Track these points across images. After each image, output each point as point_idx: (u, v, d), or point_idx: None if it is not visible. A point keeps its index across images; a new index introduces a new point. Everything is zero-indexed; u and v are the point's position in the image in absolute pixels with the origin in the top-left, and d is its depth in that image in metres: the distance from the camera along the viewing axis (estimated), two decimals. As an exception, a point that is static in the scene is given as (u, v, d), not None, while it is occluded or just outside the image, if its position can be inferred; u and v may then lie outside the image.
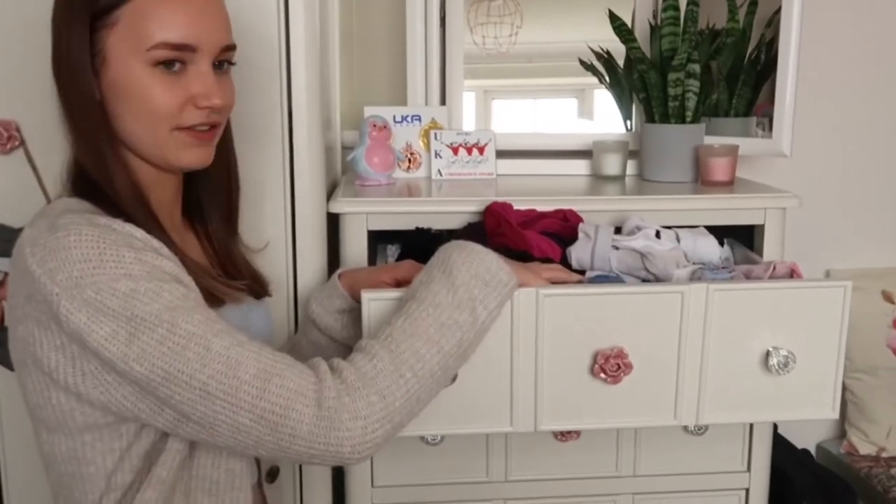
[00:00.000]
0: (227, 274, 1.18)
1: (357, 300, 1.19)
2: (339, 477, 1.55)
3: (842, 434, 2.17)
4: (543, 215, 1.40)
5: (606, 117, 1.95)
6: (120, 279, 0.90)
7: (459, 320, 1.01)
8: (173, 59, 1.00)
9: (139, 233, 0.97)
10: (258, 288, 1.23)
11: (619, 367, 1.16)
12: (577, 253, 1.34)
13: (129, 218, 0.99)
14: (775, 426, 1.74)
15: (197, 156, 1.06)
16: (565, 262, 1.33)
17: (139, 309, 0.89)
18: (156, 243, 0.97)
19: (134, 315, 0.89)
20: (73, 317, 0.89)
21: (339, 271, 1.30)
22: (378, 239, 1.54)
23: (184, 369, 0.89)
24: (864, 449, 2.10)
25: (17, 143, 1.37)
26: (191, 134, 1.04)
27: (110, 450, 0.98)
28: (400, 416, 0.95)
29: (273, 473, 1.44)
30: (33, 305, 0.92)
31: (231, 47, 1.07)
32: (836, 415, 1.23)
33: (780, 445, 1.91)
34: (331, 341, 1.27)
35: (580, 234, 1.35)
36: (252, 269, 1.25)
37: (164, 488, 0.99)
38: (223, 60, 1.06)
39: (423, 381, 0.97)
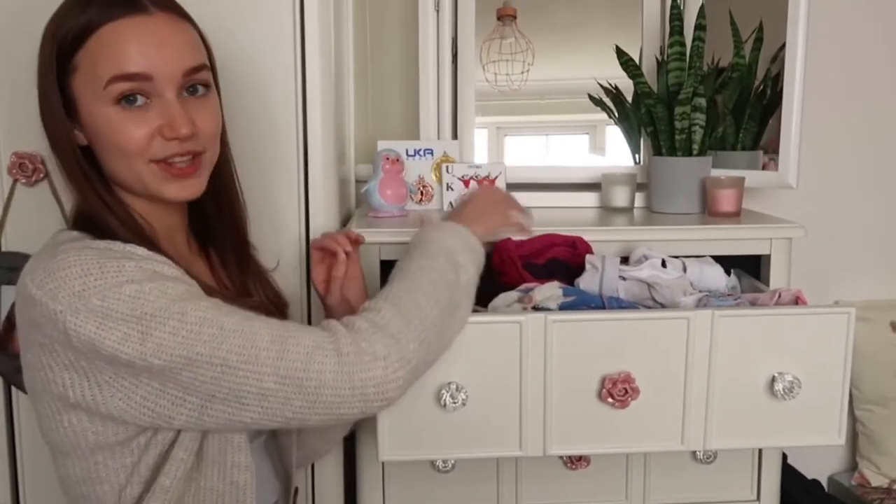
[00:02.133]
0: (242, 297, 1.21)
1: None
2: (351, 501, 1.57)
3: (853, 466, 2.16)
4: (553, 242, 1.42)
5: (617, 153, 1.98)
6: (124, 284, 0.92)
7: (448, 278, 1.09)
8: (132, 92, 1.00)
9: (140, 250, 0.99)
10: (273, 311, 1.25)
11: (627, 392, 1.18)
12: (585, 284, 1.35)
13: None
14: (785, 456, 1.74)
15: (180, 188, 1.06)
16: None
17: (147, 307, 0.92)
18: (159, 257, 1.00)
19: (143, 313, 0.91)
20: (82, 329, 0.90)
21: None
22: (391, 269, 1.56)
23: (202, 351, 0.92)
24: (876, 481, 2.09)
25: (41, 175, 1.41)
26: (168, 167, 1.04)
27: (122, 466, 1.00)
28: (416, 358, 1.00)
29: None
30: (36, 330, 0.95)
31: (198, 68, 1.05)
32: (842, 441, 1.25)
33: (791, 476, 1.91)
34: None
35: (587, 266, 1.37)
36: (272, 291, 1.28)
37: (169, 498, 1.01)
38: (193, 84, 1.05)
39: (428, 329, 1.02)
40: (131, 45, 0.99)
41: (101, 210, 1.03)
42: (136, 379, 0.94)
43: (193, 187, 1.08)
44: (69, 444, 1.00)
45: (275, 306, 1.26)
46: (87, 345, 0.91)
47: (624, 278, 1.36)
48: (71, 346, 0.92)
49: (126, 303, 0.91)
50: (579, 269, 1.38)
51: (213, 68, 1.11)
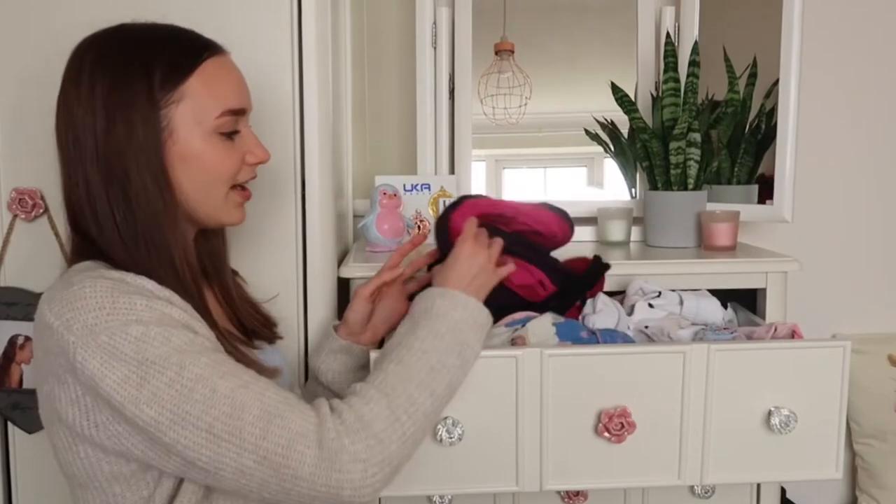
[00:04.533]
0: (241, 324, 1.23)
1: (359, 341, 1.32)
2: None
3: (853, 500, 2.15)
4: (517, 216, 1.35)
5: (615, 185, 1.99)
6: (131, 324, 0.93)
7: (448, 363, 1.06)
8: (235, 125, 1.09)
9: (150, 284, 1.00)
10: (269, 332, 1.28)
11: (623, 427, 1.18)
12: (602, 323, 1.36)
13: (152, 275, 1.02)
14: (783, 490, 1.74)
15: (242, 213, 1.16)
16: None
17: (149, 352, 0.92)
18: (167, 293, 1.00)
19: (145, 359, 0.92)
20: (88, 363, 0.92)
21: (334, 325, 1.37)
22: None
23: (191, 410, 0.92)
24: (876, 515, 2.08)
25: (41, 210, 1.42)
26: (241, 193, 1.14)
27: (140, 498, 1.00)
28: (398, 459, 0.98)
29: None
30: (52, 359, 0.96)
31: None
32: (839, 475, 1.24)
33: (790, 511, 1.91)
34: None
35: (600, 305, 1.38)
36: (262, 313, 1.30)
37: None
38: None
39: (417, 424, 1.00)
40: (232, 81, 1.10)
41: (160, 241, 1.04)
42: (127, 427, 0.94)
43: (245, 215, 1.17)
44: (87, 476, 1.00)
45: (265, 326, 1.28)
46: (89, 380, 0.92)
47: (629, 326, 1.37)
48: (78, 379, 0.93)
49: (131, 344, 0.92)
50: (541, 249, 1.36)
51: None
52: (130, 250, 1.03)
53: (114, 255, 1.03)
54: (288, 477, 0.93)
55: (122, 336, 0.92)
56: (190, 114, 1.05)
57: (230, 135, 1.09)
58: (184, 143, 1.05)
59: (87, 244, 1.06)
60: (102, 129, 1.02)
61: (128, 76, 1.02)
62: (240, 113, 1.10)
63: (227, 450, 0.93)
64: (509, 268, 1.24)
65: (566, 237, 1.38)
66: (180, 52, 1.06)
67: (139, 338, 0.93)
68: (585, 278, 1.38)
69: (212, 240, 1.22)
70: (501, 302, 1.26)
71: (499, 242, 1.24)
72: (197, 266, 1.12)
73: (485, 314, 1.14)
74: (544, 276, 1.31)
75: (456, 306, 1.11)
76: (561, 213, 1.37)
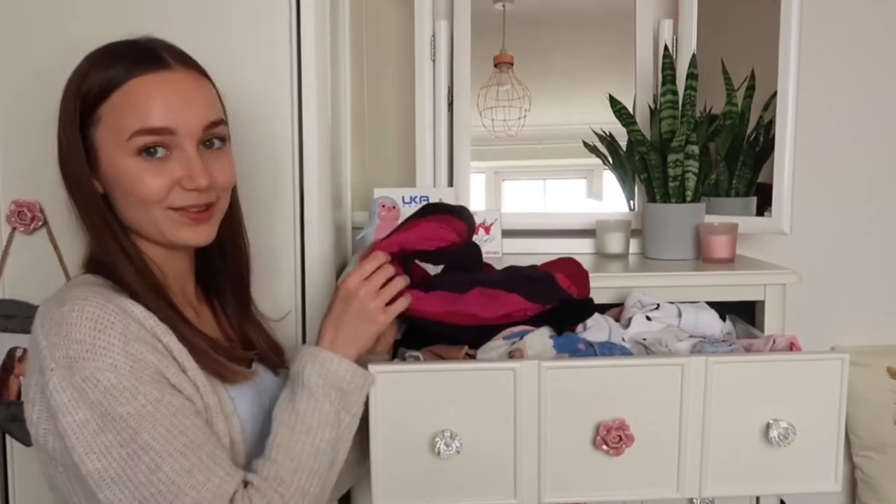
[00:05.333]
0: (243, 345, 1.22)
1: None
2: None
3: (853, 513, 2.15)
4: (433, 236, 1.30)
5: (614, 197, 2.00)
6: (105, 370, 0.95)
7: (329, 438, 1.10)
8: (154, 145, 1.04)
9: (139, 310, 1.01)
10: (274, 359, 1.26)
11: (621, 439, 1.17)
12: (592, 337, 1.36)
13: (138, 298, 1.03)
14: (782, 503, 1.73)
15: (194, 234, 1.10)
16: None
17: (113, 407, 0.94)
18: (151, 322, 1.02)
19: (107, 411, 0.94)
20: (58, 395, 0.94)
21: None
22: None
23: (132, 477, 0.94)
24: (877, 528, 2.07)
25: (40, 223, 1.42)
26: (184, 214, 1.08)
27: None
28: None
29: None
30: (37, 372, 0.98)
31: (216, 123, 1.10)
32: (838, 488, 1.24)
33: (790, 523, 1.90)
34: None
35: (591, 323, 1.38)
36: (270, 340, 1.29)
37: None
38: (211, 138, 1.10)
39: (309, 496, 1.07)
40: (156, 100, 1.04)
41: (116, 256, 1.06)
42: (71, 463, 0.96)
43: (206, 233, 1.12)
44: (69, 490, 1.01)
45: (274, 353, 1.27)
46: (53, 410, 0.95)
47: (624, 339, 1.37)
48: (45, 401, 0.97)
49: (100, 393, 0.94)
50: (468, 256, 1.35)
51: (227, 122, 1.15)
52: (101, 269, 1.07)
53: (100, 267, 1.07)
54: None
55: (94, 383, 0.94)
56: (108, 135, 1.05)
57: (160, 157, 1.05)
58: (106, 164, 1.06)
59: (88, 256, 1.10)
60: (58, 150, 1.07)
61: (67, 98, 1.06)
62: (164, 132, 1.04)
63: None
64: (401, 304, 1.19)
65: (468, 232, 1.34)
66: (105, 70, 1.05)
67: (108, 388, 0.95)
68: (577, 305, 1.36)
69: (208, 255, 1.22)
70: (482, 336, 1.28)
71: (396, 282, 1.19)
72: (162, 280, 1.11)
73: (360, 376, 1.12)
74: (525, 302, 1.30)
75: (328, 371, 1.11)
76: (449, 212, 1.33)
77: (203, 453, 0.99)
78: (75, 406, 0.94)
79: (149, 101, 1.04)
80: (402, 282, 1.20)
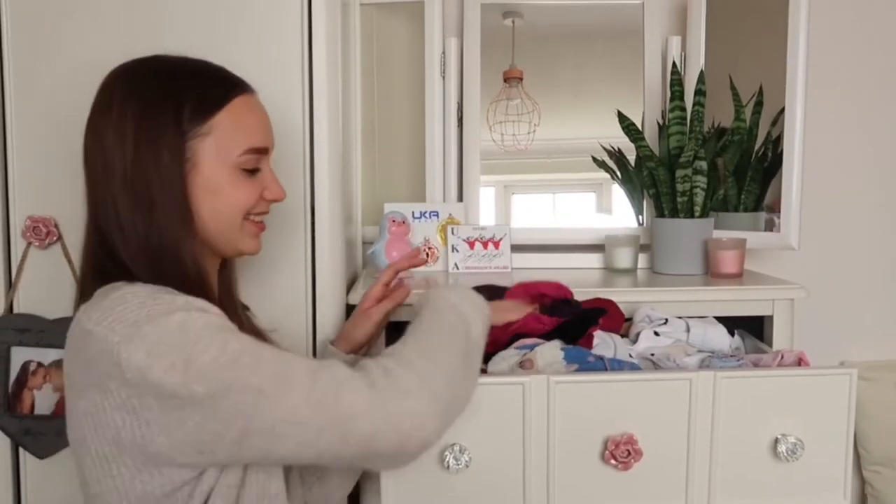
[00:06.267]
0: None
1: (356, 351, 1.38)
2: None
3: (863, 528, 2.14)
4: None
5: (623, 211, 2.00)
6: (174, 313, 0.96)
7: (460, 330, 1.11)
8: (258, 162, 1.14)
9: (182, 297, 1.02)
10: None
11: (630, 454, 1.18)
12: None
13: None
14: (793, 518, 1.73)
15: (256, 244, 1.20)
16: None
17: (192, 335, 0.94)
18: (199, 302, 1.02)
19: (188, 340, 0.94)
20: (134, 357, 0.93)
21: (329, 343, 1.40)
22: (396, 329, 1.58)
23: (240, 376, 0.94)
24: (887, 543, 2.07)
25: (54, 238, 1.43)
26: (254, 225, 1.18)
27: None
28: (446, 397, 1.01)
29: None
30: (92, 369, 0.96)
31: None
32: (847, 503, 1.24)
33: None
34: None
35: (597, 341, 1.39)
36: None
37: None
38: None
39: (451, 371, 1.04)
40: (258, 121, 1.16)
41: (176, 259, 1.08)
42: (180, 413, 0.94)
43: (260, 244, 1.21)
44: (116, 496, 1.00)
45: None
46: (136, 375, 0.93)
47: (631, 354, 1.37)
48: (124, 380, 0.94)
49: (174, 331, 0.94)
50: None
51: None
52: (155, 269, 1.06)
53: (140, 274, 1.05)
54: (344, 418, 0.95)
55: (165, 324, 0.94)
56: (215, 148, 1.09)
57: (251, 171, 1.14)
58: (207, 175, 1.09)
59: (114, 265, 1.07)
60: (131, 154, 1.05)
61: (157, 106, 1.06)
62: (262, 151, 1.14)
63: (280, 406, 0.94)
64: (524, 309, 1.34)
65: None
66: (211, 86, 1.11)
67: (181, 322, 0.95)
68: (586, 315, 1.39)
69: (224, 271, 1.24)
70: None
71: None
72: (216, 292, 1.16)
73: (481, 300, 1.20)
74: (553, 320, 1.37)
75: (453, 292, 1.19)
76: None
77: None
78: (154, 357, 0.92)
79: (253, 120, 1.14)
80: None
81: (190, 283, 1.06)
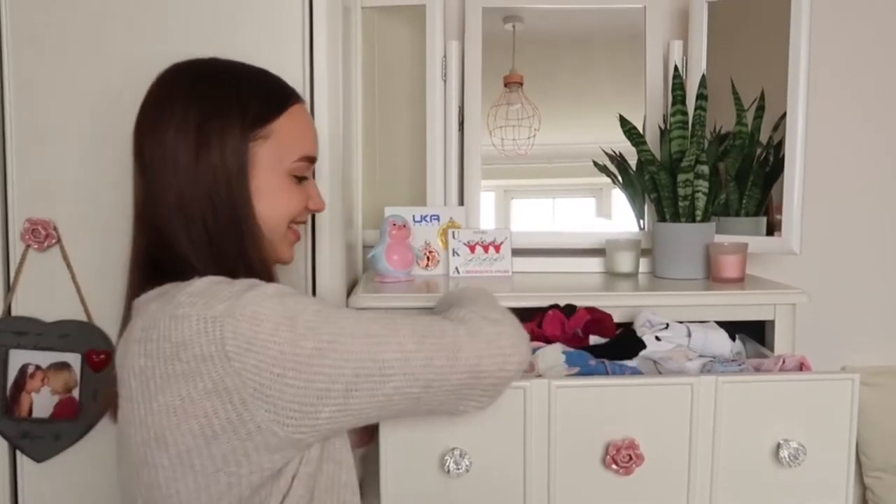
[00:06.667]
0: None
1: None
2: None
3: (865, 535, 2.13)
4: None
5: (623, 216, 2.00)
6: (263, 285, 0.98)
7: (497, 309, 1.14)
8: (308, 170, 1.19)
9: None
10: None
11: (631, 459, 1.17)
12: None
13: None
14: (794, 524, 1.72)
15: (293, 253, 1.23)
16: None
17: (290, 302, 0.97)
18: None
19: (287, 307, 0.96)
20: (239, 328, 0.93)
21: None
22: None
23: (345, 325, 0.98)
24: (888, 550, 2.06)
25: (53, 240, 1.43)
26: (295, 233, 1.21)
27: None
28: (524, 340, 1.08)
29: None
30: (180, 357, 0.93)
31: None
32: (849, 509, 1.24)
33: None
34: None
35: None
36: None
37: None
38: None
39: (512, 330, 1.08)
40: (311, 130, 1.20)
41: (249, 252, 1.10)
42: (281, 381, 0.94)
43: (294, 255, 1.24)
44: (196, 493, 0.97)
45: None
46: (241, 344, 0.93)
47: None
48: (224, 354, 0.92)
49: (271, 297, 0.97)
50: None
51: None
52: (219, 263, 1.07)
53: (204, 269, 1.06)
54: (450, 347, 1.01)
55: (262, 294, 0.97)
56: (273, 152, 1.11)
57: (300, 178, 1.17)
58: (262, 177, 1.11)
59: (171, 260, 1.07)
60: (194, 151, 1.07)
61: (223, 105, 1.09)
62: (313, 161, 1.19)
63: (387, 344, 0.98)
64: None
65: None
66: (273, 91, 1.15)
67: (277, 292, 0.98)
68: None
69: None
70: None
71: None
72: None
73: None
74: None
75: (475, 291, 1.23)
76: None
77: None
78: (258, 325, 0.94)
79: (307, 129, 1.19)
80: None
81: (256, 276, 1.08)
